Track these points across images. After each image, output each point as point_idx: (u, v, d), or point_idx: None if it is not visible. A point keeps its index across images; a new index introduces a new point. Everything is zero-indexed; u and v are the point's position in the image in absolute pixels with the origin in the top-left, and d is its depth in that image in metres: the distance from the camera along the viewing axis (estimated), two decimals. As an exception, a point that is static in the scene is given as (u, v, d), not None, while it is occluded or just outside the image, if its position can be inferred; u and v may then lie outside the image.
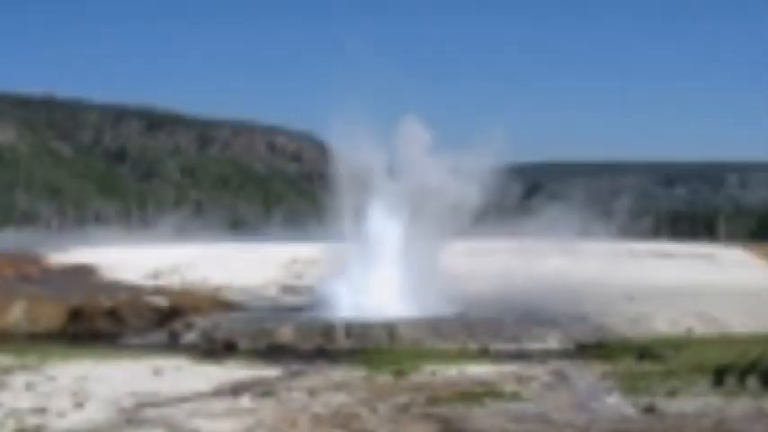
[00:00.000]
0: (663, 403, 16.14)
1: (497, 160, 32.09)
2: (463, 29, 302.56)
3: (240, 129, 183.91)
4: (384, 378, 19.36)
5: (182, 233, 71.50)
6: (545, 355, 23.48)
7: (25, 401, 16.41)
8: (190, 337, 26.94)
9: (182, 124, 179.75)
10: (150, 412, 15.82)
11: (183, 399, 17.09)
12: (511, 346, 25.10)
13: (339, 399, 16.95)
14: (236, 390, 18.04)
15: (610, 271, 36.39)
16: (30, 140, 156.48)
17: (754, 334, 25.52)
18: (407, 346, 24.69)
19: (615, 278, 35.29)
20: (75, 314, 31.39)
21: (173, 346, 26.12)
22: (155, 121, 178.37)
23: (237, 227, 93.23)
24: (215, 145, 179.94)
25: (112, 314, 31.59)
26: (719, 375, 18.27)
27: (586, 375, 19.77)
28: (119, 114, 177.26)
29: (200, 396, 17.39)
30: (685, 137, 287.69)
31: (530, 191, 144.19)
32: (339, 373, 20.14)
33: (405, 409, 15.98)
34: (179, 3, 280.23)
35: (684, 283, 36.16)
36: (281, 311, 31.79)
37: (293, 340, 25.91)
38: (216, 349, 25.33)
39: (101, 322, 31.11)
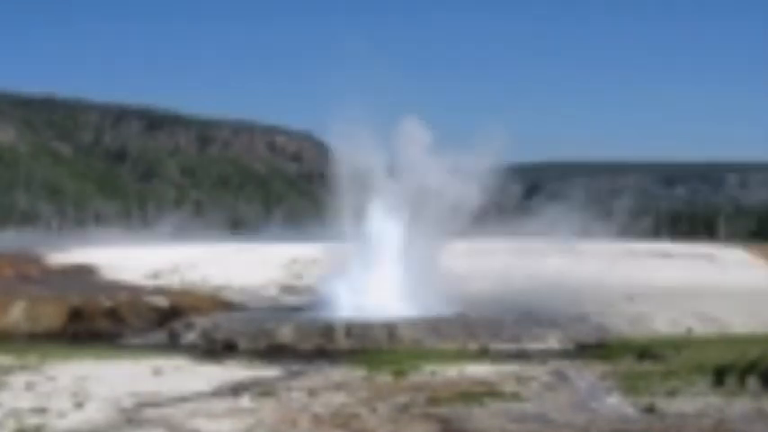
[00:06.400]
0: (663, 403, 16.12)
1: (497, 160, 32.10)
2: (462, 28, 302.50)
3: (240, 129, 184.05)
4: (384, 378, 19.34)
5: (182, 233, 71.44)
6: (545, 355, 23.47)
7: (25, 401, 16.39)
8: (190, 337, 26.92)
9: (182, 124, 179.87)
10: (150, 412, 15.81)
11: (183, 399, 17.08)
12: (511, 346, 25.09)
13: (339, 399, 16.94)
14: (236, 390, 18.03)
15: (610, 271, 36.38)
16: (30, 140, 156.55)
17: (754, 334, 25.52)
18: (407, 346, 24.68)
19: (615, 278, 35.28)
20: (76, 314, 31.39)
21: (173, 346, 26.12)
22: (155, 121, 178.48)
23: (237, 227, 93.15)
24: (215, 145, 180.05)
25: (112, 314, 31.60)
26: (719, 375, 18.25)
27: (586, 375, 19.76)
28: (119, 114, 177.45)
29: (200, 396, 17.39)
30: (685, 137, 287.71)
31: (530, 191, 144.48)
32: (339, 373, 20.12)
33: (405, 409, 15.97)
34: (179, 3, 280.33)
35: (684, 284, 36.14)
36: (281, 311, 31.75)
37: (293, 340, 25.90)
38: (216, 349, 25.34)
39: (101, 322, 31.12)
